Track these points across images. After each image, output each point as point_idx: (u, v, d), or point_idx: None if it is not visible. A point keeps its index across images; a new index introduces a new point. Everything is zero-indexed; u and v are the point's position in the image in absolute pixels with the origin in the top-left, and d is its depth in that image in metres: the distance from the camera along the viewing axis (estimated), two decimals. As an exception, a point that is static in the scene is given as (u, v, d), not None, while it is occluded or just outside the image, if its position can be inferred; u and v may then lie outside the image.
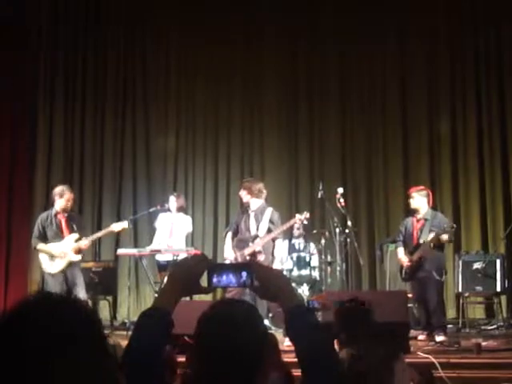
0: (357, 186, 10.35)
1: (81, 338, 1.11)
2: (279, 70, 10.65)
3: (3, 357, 1.07)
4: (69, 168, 10.56)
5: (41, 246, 7.94)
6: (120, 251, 8.95)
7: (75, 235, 8.04)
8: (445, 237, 7.65)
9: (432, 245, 7.55)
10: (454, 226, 7.99)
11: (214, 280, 1.86)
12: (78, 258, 8.01)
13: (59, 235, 7.97)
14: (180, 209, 8.81)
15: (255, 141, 10.73)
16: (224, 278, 1.85)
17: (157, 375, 1.78)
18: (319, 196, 8.70)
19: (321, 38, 10.58)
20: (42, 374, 1.06)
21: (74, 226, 8.09)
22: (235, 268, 1.89)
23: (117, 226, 8.32)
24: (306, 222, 7.94)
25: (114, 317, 9.62)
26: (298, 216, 7.75)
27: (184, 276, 1.86)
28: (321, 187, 8.67)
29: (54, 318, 1.11)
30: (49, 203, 9.02)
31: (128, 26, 10.87)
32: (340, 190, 8.39)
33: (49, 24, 10.61)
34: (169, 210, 8.81)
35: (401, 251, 7.84)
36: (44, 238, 7.96)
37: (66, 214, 8.07)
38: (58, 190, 8.16)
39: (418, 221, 7.79)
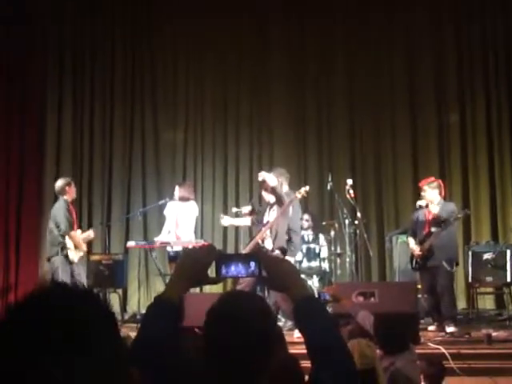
0: (366, 177, 10.32)
1: (97, 329, 1.11)
2: (287, 60, 10.62)
3: (18, 344, 1.07)
4: (78, 161, 10.58)
5: (73, 232, 8.05)
6: (130, 244, 8.99)
7: (79, 231, 8.38)
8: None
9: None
10: (467, 212, 8.05)
11: (223, 270, 1.86)
12: (85, 249, 8.41)
13: (72, 227, 8.14)
14: (182, 198, 8.69)
15: (264, 134, 10.71)
16: (232, 268, 1.85)
17: (165, 366, 1.78)
18: (328, 187, 8.69)
19: (328, 26, 10.54)
20: (53, 361, 1.06)
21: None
22: (243, 258, 1.88)
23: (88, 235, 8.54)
24: (305, 195, 7.82)
25: (124, 309, 9.64)
26: (296, 193, 7.67)
27: (192, 267, 1.85)
28: (330, 179, 8.65)
29: (71, 306, 1.11)
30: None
31: (134, 21, 10.87)
32: (349, 182, 8.37)
33: (54, 21, 10.60)
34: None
35: (412, 241, 7.81)
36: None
37: (74, 206, 8.35)
38: (64, 181, 8.29)
39: (429, 212, 7.73)
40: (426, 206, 7.87)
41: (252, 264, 1.84)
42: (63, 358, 1.07)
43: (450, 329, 7.18)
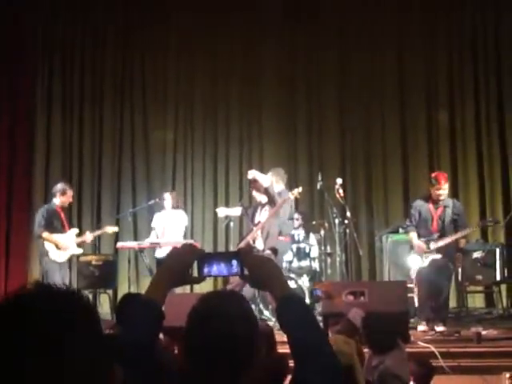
0: (356, 176, 10.33)
1: (78, 329, 1.11)
2: (278, 59, 10.61)
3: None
4: (68, 162, 10.57)
5: (47, 234, 8.14)
6: (120, 244, 9.01)
7: (76, 230, 8.54)
8: (463, 241, 7.62)
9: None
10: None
11: (205, 270, 1.85)
12: (80, 251, 8.53)
13: (62, 229, 8.29)
14: (174, 207, 8.87)
15: (254, 133, 10.71)
16: (214, 267, 1.84)
17: (149, 366, 1.77)
18: (318, 187, 8.68)
19: (320, 25, 10.53)
20: (38, 363, 1.06)
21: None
22: (225, 257, 1.87)
23: (110, 229, 8.88)
24: (298, 196, 7.83)
25: (114, 310, 9.61)
26: (289, 194, 7.66)
27: (174, 266, 1.85)
28: (320, 178, 8.65)
29: (52, 307, 1.11)
30: (47, 197, 9.34)
31: (124, 20, 10.85)
32: (339, 181, 8.34)
33: (44, 20, 10.61)
34: (163, 207, 8.86)
35: (415, 236, 7.45)
36: (50, 229, 8.18)
37: (64, 209, 8.48)
38: (59, 187, 8.44)
39: (436, 208, 7.43)
40: (428, 198, 7.51)
41: (234, 263, 1.83)
42: (39, 359, 1.06)
43: (440, 328, 7.16)
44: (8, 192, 10.02)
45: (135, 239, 9.61)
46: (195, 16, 10.60)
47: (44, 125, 10.54)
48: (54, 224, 8.23)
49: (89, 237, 8.60)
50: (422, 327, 7.34)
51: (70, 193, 8.47)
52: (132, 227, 10.18)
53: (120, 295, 9.96)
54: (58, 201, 8.34)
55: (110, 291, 9.49)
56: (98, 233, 8.93)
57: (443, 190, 7.39)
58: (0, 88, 10.12)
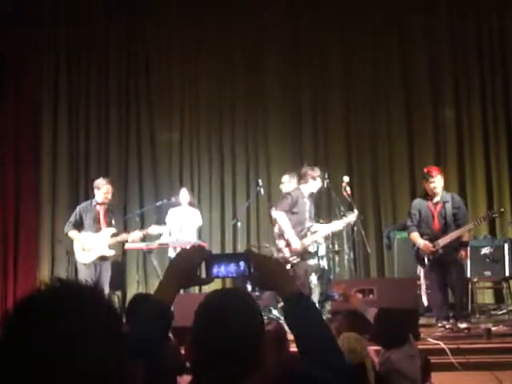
0: (362, 173, 10.31)
1: (92, 328, 1.11)
2: (282, 60, 10.61)
3: (12, 347, 1.07)
4: (75, 164, 10.58)
5: (73, 233, 7.99)
6: (128, 245, 8.96)
7: (112, 229, 8.16)
8: (467, 235, 7.58)
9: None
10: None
11: (213, 271, 1.86)
12: (112, 252, 8.14)
13: (96, 226, 8.05)
14: (190, 203, 8.92)
15: (259, 132, 10.71)
16: (222, 268, 1.85)
17: (158, 366, 1.78)
18: (325, 185, 8.67)
19: (323, 26, 10.52)
20: (50, 363, 1.06)
21: (113, 221, 8.22)
22: (233, 258, 1.88)
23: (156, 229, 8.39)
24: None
25: (123, 311, 9.62)
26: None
27: (182, 267, 1.86)
28: (326, 176, 8.64)
29: (67, 306, 1.11)
30: (55, 197, 9.47)
31: (129, 23, 10.85)
32: (346, 179, 8.32)
33: (49, 23, 10.64)
34: (178, 203, 8.84)
35: (417, 236, 7.35)
36: (80, 226, 8.02)
37: (105, 207, 8.17)
38: (96, 182, 8.28)
39: (435, 205, 7.37)
40: (426, 196, 7.46)
41: (241, 263, 1.84)
42: (52, 359, 1.06)
43: (463, 324, 6.98)
44: (15, 193, 10.04)
45: (143, 240, 9.60)
46: (197, 19, 10.60)
47: (50, 126, 10.56)
48: (85, 222, 8.01)
49: (138, 234, 8.20)
50: (446, 325, 7.10)
51: (104, 189, 8.12)
52: (139, 228, 10.17)
53: (129, 296, 9.98)
54: (98, 197, 8.13)
55: (119, 292, 9.51)
56: (143, 232, 8.32)
57: (438, 182, 7.34)
58: (5, 89, 10.15)
